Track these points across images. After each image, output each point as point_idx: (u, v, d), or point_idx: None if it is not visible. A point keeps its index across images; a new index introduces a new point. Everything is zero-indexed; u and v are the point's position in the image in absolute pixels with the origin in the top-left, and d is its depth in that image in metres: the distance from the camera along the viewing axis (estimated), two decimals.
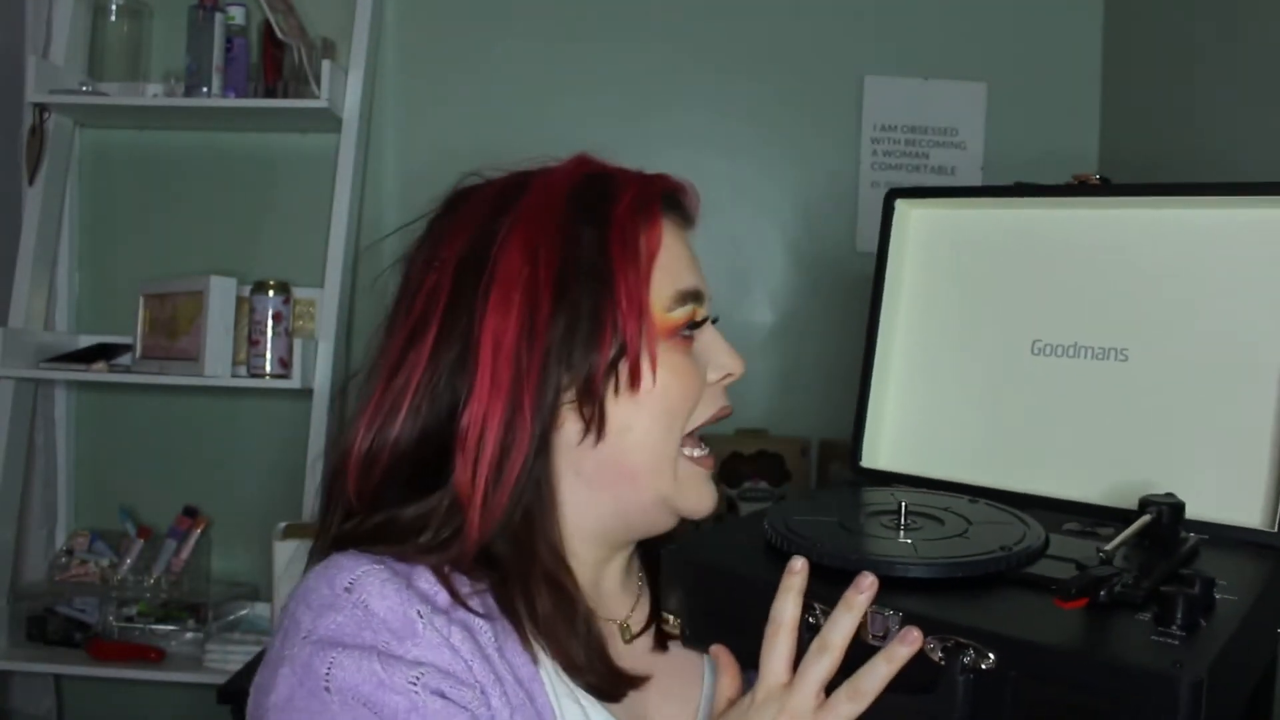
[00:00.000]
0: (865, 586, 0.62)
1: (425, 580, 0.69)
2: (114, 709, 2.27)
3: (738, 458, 2.05)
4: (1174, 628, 0.57)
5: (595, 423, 0.72)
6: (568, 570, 0.74)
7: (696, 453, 0.77)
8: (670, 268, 0.75)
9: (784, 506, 0.77)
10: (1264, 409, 0.74)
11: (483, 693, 0.65)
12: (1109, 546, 0.63)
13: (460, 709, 0.63)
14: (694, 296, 0.76)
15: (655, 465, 0.74)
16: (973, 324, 0.88)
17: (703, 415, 0.77)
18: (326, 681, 0.62)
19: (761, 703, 0.63)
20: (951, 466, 0.87)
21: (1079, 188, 0.83)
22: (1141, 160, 2.03)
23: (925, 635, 0.60)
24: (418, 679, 0.63)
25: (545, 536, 0.73)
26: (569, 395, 0.72)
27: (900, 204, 0.92)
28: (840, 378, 2.23)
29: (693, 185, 0.82)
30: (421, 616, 0.65)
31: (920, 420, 0.91)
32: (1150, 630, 0.57)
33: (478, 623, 0.68)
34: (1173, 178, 1.83)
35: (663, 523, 0.77)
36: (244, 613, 2.12)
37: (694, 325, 0.76)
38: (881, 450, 0.92)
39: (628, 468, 0.73)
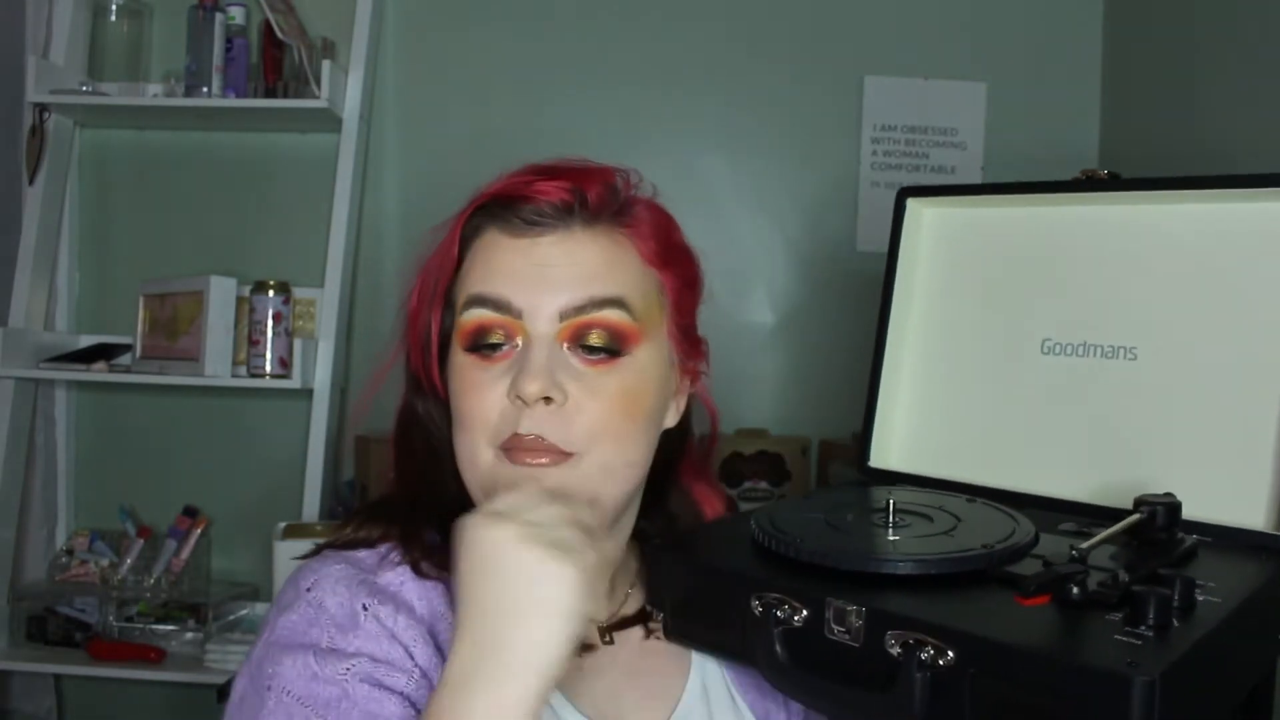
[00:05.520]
0: None
1: (391, 574, 0.72)
2: (114, 709, 2.27)
3: (738, 458, 2.05)
4: (1143, 628, 0.56)
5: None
6: None
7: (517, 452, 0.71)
8: (473, 275, 0.74)
9: (777, 504, 0.77)
10: (1270, 409, 0.73)
11: (424, 675, 0.68)
12: (1085, 545, 0.62)
13: (390, 693, 0.66)
14: (480, 302, 0.72)
15: (465, 466, 0.74)
16: (983, 322, 0.88)
17: (500, 435, 0.71)
18: (270, 681, 0.66)
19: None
20: (960, 466, 0.86)
21: (1087, 183, 0.83)
22: (1142, 161, 2.03)
23: (887, 631, 0.59)
24: (349, 669, 0.66)
25: None
26: None
27: (911, 202, 0.91)
28: (840, 377, 2.24)
29: (549, 189, 0.73)
30: (366, 609, 0.68)
31: (930, 420, 0.91)
32: (1117, 630, 0.56)
33: (439, 609, 0.71)
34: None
35: None
36: (244, 613, 2.12)
37: (482, 340, 0.72)
38: (892, 450, 0.92)
39: (458, 462, 0.76)
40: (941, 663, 0.56)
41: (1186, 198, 0.78)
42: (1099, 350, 0.82)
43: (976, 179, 2.20)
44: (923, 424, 0.91)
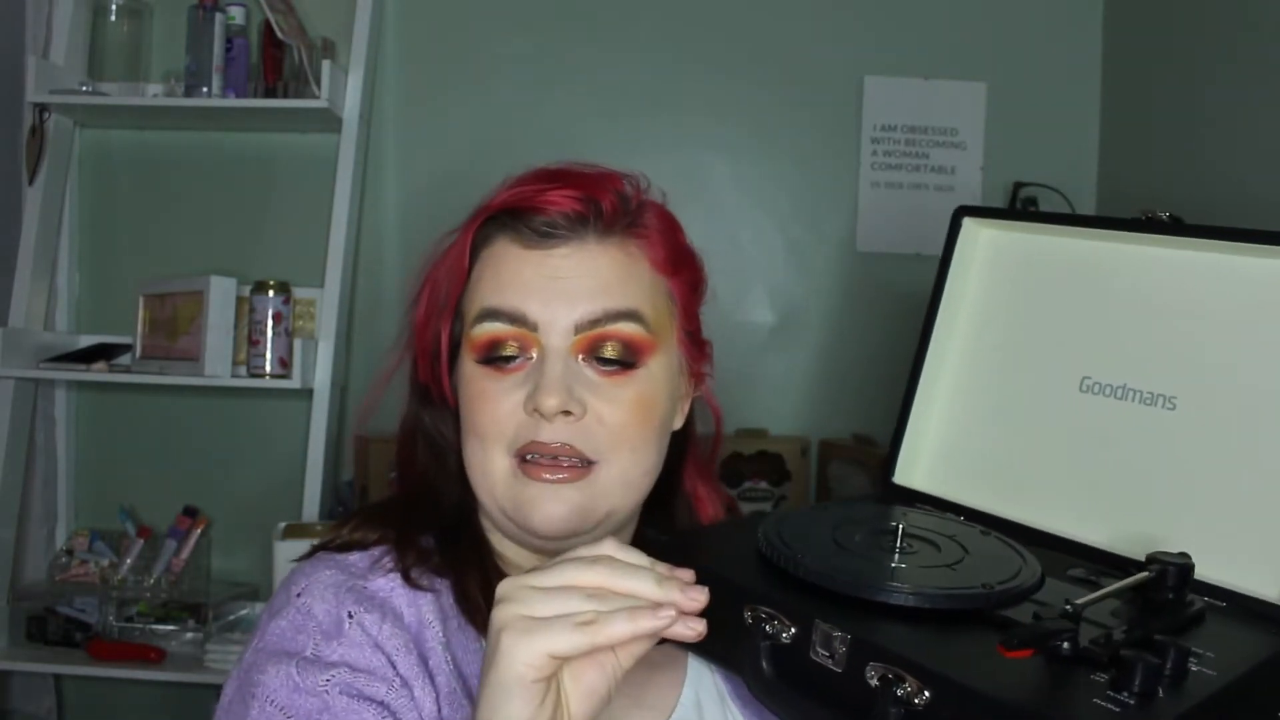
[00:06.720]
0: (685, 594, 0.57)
1: (382, 580, 0.72)
2: (114, 709, 2.27)
3: (738, 458, 2.05)
4: (1125, 694, 0.54)
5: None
6: (491, 561, 0.77)
7: (530, 456, 0.71)
8: (484, 286, 0.73)
9: (789, 513, 0.76)
10: None
11: (404, 685, 0.68)
12: (1080, 601, 0.60)
13: (370, 703, 0.66)
14: (493, 315, 0.72)
15: (476, 474, 0.74)
16: (1025, 352, 0.86)
17: (516, 443, 0.71)
18: (254, 688, 0.67)
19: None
20: (982, 494, 0.85)
21: (1149, 223, 0.80)
22: (1141, 161, 2.03)
23: (869, 662, 0.58)
24: (330, 679, 0.66)
25: (469, 529, 0.78)
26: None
27: (967, 222, 0.89)
28: (841, 377, 2.25)
29: (562, 199, 0.72)
30: (351, 617, 0.69)
31: (959, 443, 0.89)
32: (1100, 692, 0.54)
33: (427, 618, 0.71)
34: (1172, 179, 1.84)
35: (522, 537, 0.75)
36: (244, 613, 2.12)
37: (495, 352, 0.72)
38: (917, 469, 0.91)
39: (468, 470, 0.76)
40: (917, 701, 0.55)
41: (1249, 250, 0.75)
42: (1138, 395, 0.79)
43: (977, 179, 2.20)
44: (951, 446, 0.90)
